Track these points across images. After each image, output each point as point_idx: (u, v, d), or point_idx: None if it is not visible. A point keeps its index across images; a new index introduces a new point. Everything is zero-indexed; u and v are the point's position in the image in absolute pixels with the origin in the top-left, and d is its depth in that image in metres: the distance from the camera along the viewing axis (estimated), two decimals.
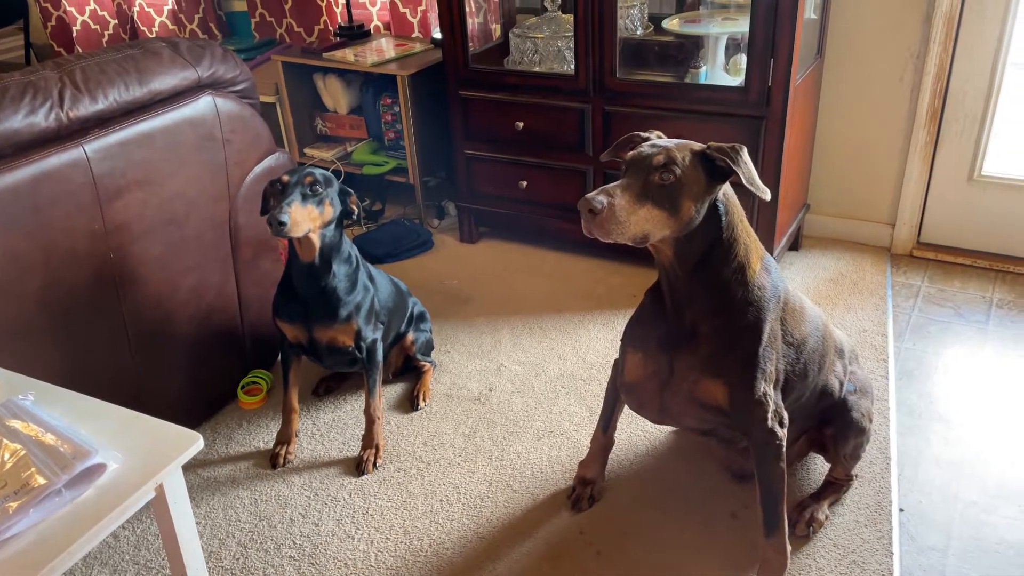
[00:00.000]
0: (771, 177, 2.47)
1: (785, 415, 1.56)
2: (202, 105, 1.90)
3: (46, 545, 1.04)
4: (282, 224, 1.71)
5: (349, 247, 1.97)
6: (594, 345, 2.49)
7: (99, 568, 1.77)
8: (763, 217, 2.53)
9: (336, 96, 3.42)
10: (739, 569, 1.70)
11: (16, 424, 1.18)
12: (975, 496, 1.87)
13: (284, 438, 2.09)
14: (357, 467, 2.03)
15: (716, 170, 1.38)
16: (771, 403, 1.52)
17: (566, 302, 2.73)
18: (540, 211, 2.95)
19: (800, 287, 2.74)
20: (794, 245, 2.95)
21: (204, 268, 2.05)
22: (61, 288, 1.69)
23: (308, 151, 3.48)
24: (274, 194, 1.83)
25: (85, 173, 1.68)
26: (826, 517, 1.79)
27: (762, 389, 1.50)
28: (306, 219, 1.78)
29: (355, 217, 1.95)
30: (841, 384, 1.74)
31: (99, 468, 1.13)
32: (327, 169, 1.96)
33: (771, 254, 2.55)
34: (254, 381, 2.31)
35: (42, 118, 1.61)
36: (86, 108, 1.68)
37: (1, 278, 1.58)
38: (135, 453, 1.18)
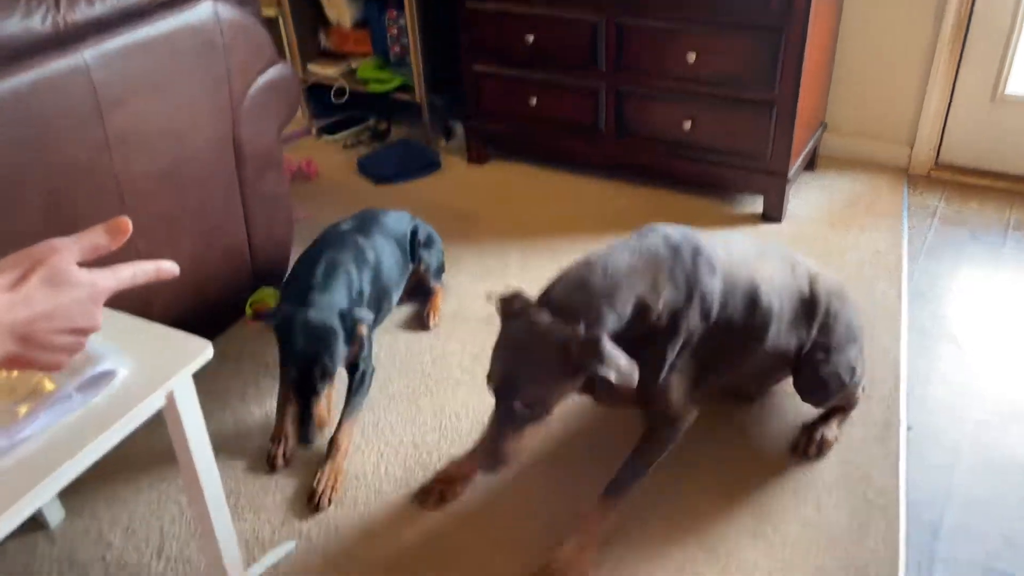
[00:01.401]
0: (790, 93, 2.39)
1: (692, 408, 1.56)
2: (203, 11, 1.83)
3: (58, 449, 1.04)
4: (313, 441, 1.75)
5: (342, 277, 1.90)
6: None
7: (112, 477, 1.79)
8: (779, 137, 2.47)
9: (340, 9, 3.31)
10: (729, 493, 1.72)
11: None
12: (984, 415, 1.87)
13: (277, 435, 1.86)
14: (310, 500, 1.71)
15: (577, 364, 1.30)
16: (675, 406, 1.53)
17: (575, 223, 2.70)
18: (550, 130, 2.89)
19: (814, 209, 2.69)
20: (809, 166, 2.89)
21: (208, 184, 2.01)
22: (65, 201, 1.66)
23: (312, 67, 3.40)
24: (289, 375, 1.80)
25: (85, 81, 1.62)
26: (835, 437, 1.79)
27: (663, 386, 1.49)
28: (327, 402, 1.81)
29: (364, 338, 1.85)
30: (801, 345, 1.65)
31: (109, 375, 1.12)
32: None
33: (786, 175, 2.50)
34: (262, 299, 2.30)
35: (38, 22, 1.55)
36: (83, 13, 1.62)
37: (3, 189, 1.55)
38: (145, 360, 1.17)
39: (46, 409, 1.06)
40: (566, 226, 2.68)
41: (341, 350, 1.78)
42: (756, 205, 2.70)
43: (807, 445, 1.77)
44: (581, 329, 1.30)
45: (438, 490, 1.70)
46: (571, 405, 1.93)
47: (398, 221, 2.26)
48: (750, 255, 1.59)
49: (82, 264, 0.74)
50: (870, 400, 1.90)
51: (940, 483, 1.71)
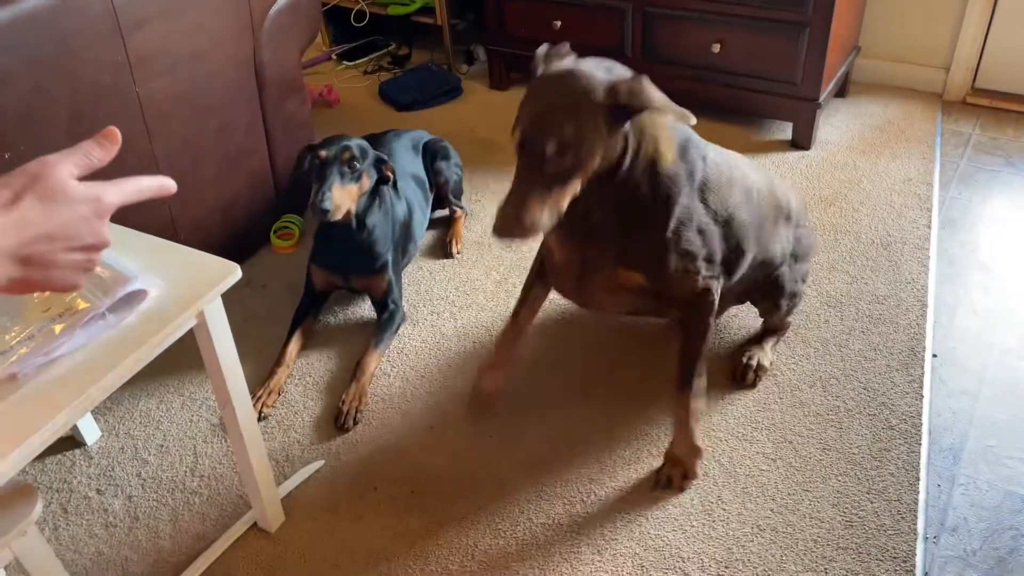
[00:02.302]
0: (823, 14, 2.31)
1: (719, 274, 1.47)
2: None
3: (94, 366, 1.06)
4: (326, 211, 1.71)
5: (383, 196, 1.93)
6: None
7: (145, 399, 1.84)
8: (811, 60, 2.40)
9: None
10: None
11: None
12: (1011, 343, 1.86)
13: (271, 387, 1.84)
14: (336, 420, 1.76)
15: (620, 110, 1.20)
16: (700, 271, 1.43)
17: None
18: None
19: (845, 136, 2.63)
20: (841, 92, 2.81)
21: (231, 108, 2.00)
22: (89, 121, 1.66)
23: None
24: (312, 169, 1.79)
25: (105, 1, 1.60)
26: (771, 363, 1.80)
27: (679, 265, 1.41)
28: (347, 199, 1.78)
29: (390, 184, 1.90)
30: (783, 254, 1.65)
31: (141, 294, 1.14)
32: (362, 139, 1.87)
33: (817, 100, 2.44)
34: (286, 226, 2.31)
35: None
36: None
37: (29, 109, 1.55)
38: (175, 281, 1.18)
39: (81, 327, 1.08)
40: None
41: (370, 160, 1.84)
42: (785, 131, 2.64)
43: (744, 373, 1.77)
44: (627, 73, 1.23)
45: (485, 403, 1.71)
46: (605, 336, 1.93)
47: (413, 151, 2.26)
48: (740, 162, 1.55)
49: (81, 179, 0.70)
50: (896, 327, 1.89)
51: (963, 409, 1.71)
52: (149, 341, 1.10)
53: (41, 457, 1.69)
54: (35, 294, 1.09)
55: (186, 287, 1.18)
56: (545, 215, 1.21)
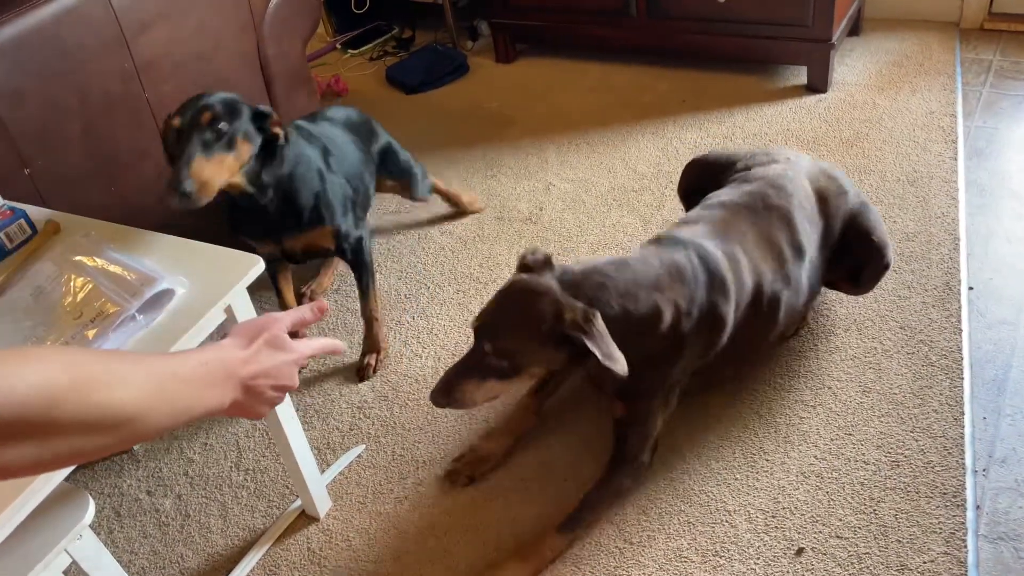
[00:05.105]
0: None
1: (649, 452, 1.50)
2: None
3: None
4: (187, 195, 1.36)
5: (290, 148, 1.61)
6: (644, 155, 2.41)
7: None
8: (820, 1, 2.34)
9: None
10: None
11: (81, 258, 1.20)
12: None
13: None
14: (358, 372, 1.81)
15: (565, 335, 1.26)
16: (652, 421, 1.47)
17: (612, 114, 2.63)
18: (579, 19, 2.79)
19: (862, 75, 2.58)
20: (854, 30, 2.75)
21: None
22: (102, 131, 1.68)
23: None
24: (169, 144, 1.44)
25: (106, 8, 1.61)
26: (811, 315, 1.77)
27: (653, 401, 1.46)
28: (218, 172, 1.42)
29: (283, 142, 1.56)
30: (815, 284, 1.64)
31: (168, 293, 1.15)
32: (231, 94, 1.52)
33: (830, 41, 2.39)
34: None
35: None
36: None
37: (42, 125, 1.57)
38: (200, 278, 1.19)
39: (113, 330, 1.10)
40: (603, 118, 2.62)
41: (244, 118, 1.49)
42: (800, 76, 2.59)
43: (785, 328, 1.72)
44: (582, 305, 1.28)
45: (466, 473, 1.59)
46: None
47: (343, 124, 1.98)
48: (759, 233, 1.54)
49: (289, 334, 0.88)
50: (928, 263, 1.85)
51: (1004, 339, 1.67)
52: (181, 338, 1.12)
53: (90, 464, 1.72)
54: (65, 300, 1.11)
55: (211, 283, 1.19)
56: (479, 395, 1.33)
